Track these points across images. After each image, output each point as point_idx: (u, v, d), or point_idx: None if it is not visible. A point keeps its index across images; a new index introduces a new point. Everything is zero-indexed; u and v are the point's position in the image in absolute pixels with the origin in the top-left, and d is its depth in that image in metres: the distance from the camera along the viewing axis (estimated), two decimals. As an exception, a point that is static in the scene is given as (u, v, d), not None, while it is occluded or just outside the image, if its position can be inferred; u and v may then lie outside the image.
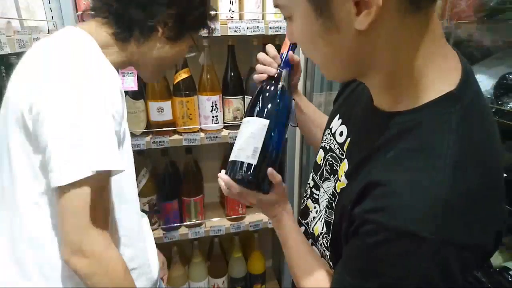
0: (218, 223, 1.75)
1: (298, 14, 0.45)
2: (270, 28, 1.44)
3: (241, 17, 1.45)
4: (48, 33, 1.22)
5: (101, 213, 0.64)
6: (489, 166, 0.43)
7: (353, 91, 0.66)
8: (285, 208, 0.68)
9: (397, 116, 0.47)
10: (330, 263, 0.62)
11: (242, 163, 0.63)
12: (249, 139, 0.63)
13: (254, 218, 1.77)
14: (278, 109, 0.66)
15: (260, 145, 0.63)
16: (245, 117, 0.68)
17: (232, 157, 0.66)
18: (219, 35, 1.35)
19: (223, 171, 0.67)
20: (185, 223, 1.70)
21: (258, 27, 1.41)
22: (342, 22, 0.42)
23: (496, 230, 0.43)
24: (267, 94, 0.67)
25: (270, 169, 0.64)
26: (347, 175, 0.55)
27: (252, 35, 1.42)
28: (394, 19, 0.41)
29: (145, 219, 1.03)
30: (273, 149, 0.65)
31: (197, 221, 1.71)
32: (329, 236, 0.60)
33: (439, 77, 0.44)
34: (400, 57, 0.44)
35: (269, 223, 1.76)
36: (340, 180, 0.57)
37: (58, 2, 1.20)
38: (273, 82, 0.68)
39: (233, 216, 1.76)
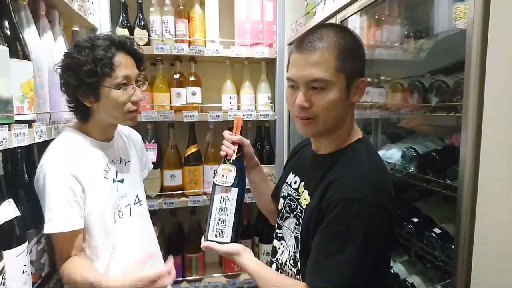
0: (216, 279, 1.96)
1: (335, 87, 0.77)
2: (260, 115, 1.90)
3: (239, 108, 1.93)
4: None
5: (74, 243, 0.97)
6: (384, 168, 0.83)
7: (299, 157, 1.00)
8: (245, 249, 0.91)
9: (335, 153, 0.84)
10: (297, 276, 0.85)
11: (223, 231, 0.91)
12: (225, 210, 0.91)
13: (249, 276, 1.97)
14: (242, 180, 0.95)
15: (232, 218, 0.91)
16: (224, 188, 0.94)
17: (212, 232, 0.91)
18: (222, 120, 1.80)
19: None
20: (186, 278, 1.91)
21: (251, 114, 1.87)
22: (351, 96, 0.80)
23: (392, 200, 0.76)
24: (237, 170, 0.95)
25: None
26: (310, 193, 0.84)
27: (247, 120, 1.88)
28: (347, 101, 0.81)
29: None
30: (239, 211, 0.92)
31: (197, 277, 1.92)
32: (298, 249, 0.85)
33: (355, 131, 0.86)
34: (345, 119, 0.83)
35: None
36: (305, 199, 0.86)
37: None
38: (229, 160, 0.98)
39: (229, 273, 1.97)
